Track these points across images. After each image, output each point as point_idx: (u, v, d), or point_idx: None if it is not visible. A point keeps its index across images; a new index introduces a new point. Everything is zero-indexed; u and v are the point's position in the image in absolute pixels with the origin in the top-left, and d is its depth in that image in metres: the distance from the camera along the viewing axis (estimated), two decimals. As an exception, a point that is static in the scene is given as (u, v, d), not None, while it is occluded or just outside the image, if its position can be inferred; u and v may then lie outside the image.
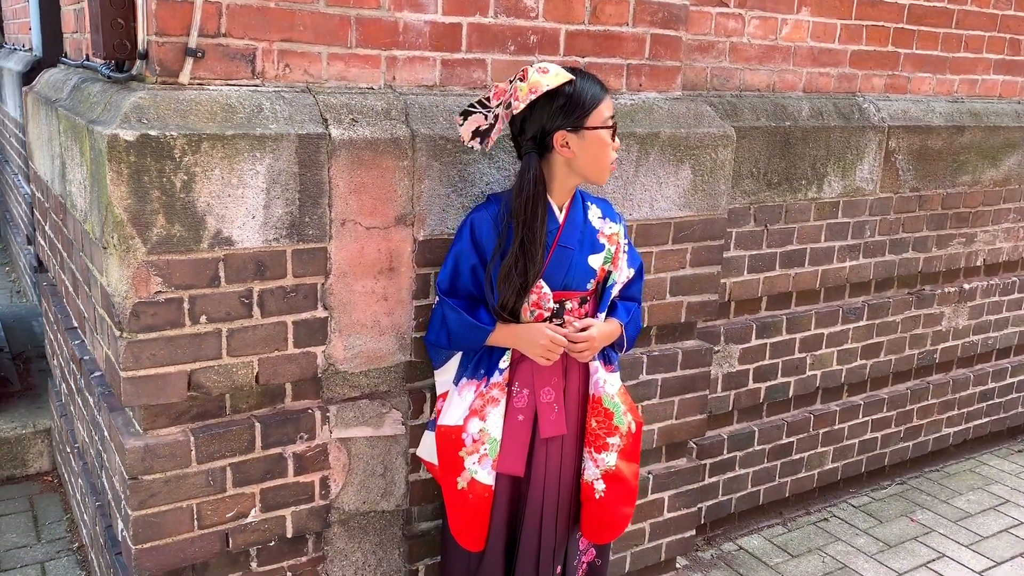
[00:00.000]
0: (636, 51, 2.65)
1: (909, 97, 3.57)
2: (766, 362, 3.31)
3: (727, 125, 2.80)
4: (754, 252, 3.15)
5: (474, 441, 2.16)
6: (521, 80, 2.02)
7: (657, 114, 2.67)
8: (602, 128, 2.06)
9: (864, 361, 3.64)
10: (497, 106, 2.08)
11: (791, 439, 3.50)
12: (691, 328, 2.93)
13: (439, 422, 2.22)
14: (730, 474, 3.35)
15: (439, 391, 2.32)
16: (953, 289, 3.88)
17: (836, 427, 3.63)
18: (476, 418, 2.16)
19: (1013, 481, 4.02)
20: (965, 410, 4.14)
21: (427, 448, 2.35)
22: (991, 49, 3.80)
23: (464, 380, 2.22)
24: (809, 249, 3.30)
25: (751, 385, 3.30)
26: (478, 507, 2.20)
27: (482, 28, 2.37)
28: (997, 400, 4.25)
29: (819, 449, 3.61)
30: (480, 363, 2.21)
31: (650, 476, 2.92)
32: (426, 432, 2.36)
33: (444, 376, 2.30)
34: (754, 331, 3.23)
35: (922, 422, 3.98)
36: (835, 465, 3.69)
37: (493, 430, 2.17)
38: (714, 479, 3.30)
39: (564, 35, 2.50)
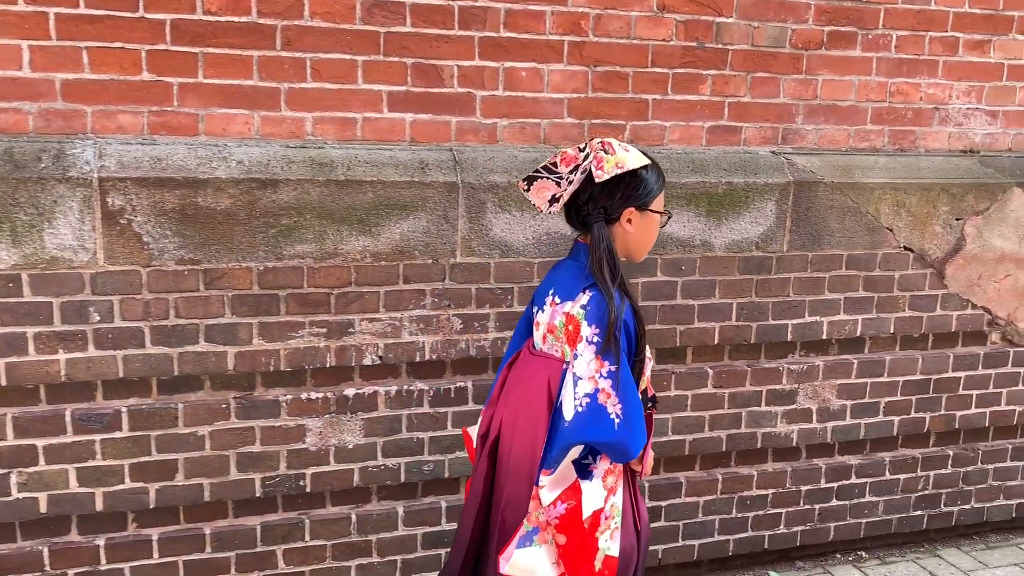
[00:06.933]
0: None
1: (188, 141, 2.71)
2: (-77, 476, 2.59)
3: None
4: None
5: (606, 518, 2.19)
6: (605, 152, 2.13)
7: None
8: (659, 213, 2.25)
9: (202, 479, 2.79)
10: (570, 172, 2.17)
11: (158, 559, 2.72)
12: None
13: (587, 516, 2.15)
14: None
15: (548, 499, 2.15)
16: (326, 395, 2.92)
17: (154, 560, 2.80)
18: (611, 496, 2.22)
19: None
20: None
21: (528, 563, 2.19)
22: (377, 78, 2.84)
23: (597, 464, 2.20)
24: (-28, 334, 2.56)
25: None
26: None
27: None
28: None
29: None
30: None
31: None
32: (517, 551, 2.19)
33: (549, 479, 2.16)
34: None
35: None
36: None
37: (619, 502, 2.24)
38: None
39: None
